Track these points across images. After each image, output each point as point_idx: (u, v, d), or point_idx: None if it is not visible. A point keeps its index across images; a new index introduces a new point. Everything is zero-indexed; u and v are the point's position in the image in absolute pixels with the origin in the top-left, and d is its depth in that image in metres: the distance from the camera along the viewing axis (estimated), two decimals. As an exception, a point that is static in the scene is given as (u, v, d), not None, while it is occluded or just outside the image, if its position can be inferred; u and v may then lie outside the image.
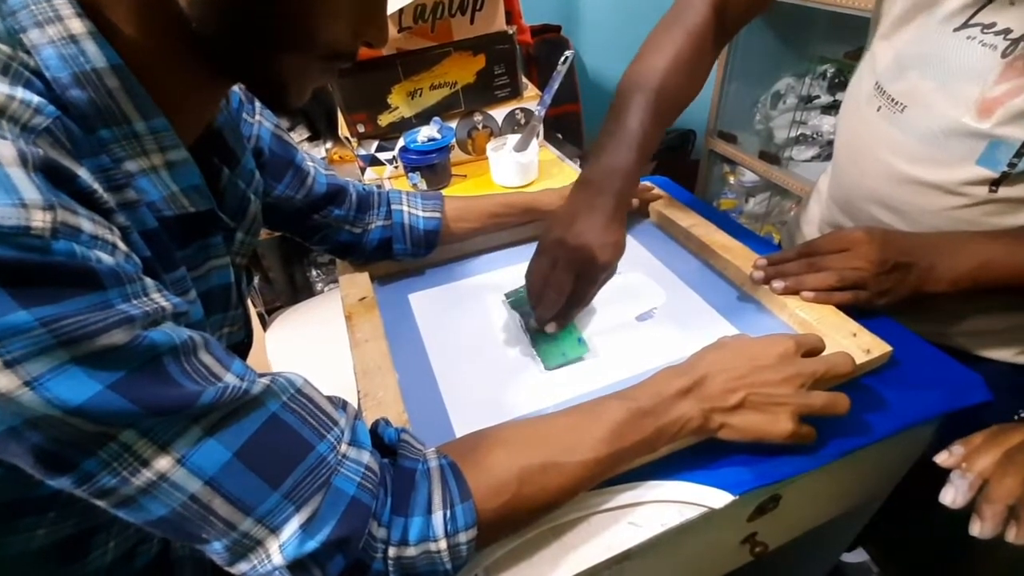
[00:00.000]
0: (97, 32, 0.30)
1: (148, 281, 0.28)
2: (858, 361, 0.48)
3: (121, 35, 0.31)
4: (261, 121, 0.54)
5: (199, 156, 0.37)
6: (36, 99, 0.27)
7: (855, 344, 0.51)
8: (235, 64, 0.34)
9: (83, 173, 0.27)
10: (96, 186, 0.28)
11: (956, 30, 0.50)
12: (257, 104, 0.54)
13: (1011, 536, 0.38)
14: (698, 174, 2.02)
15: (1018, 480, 0.38)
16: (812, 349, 0.45)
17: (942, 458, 0.42)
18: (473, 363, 0.57)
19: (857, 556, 1.11)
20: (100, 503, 0.28)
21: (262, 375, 0.32)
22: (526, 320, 0.60)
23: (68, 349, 0.24)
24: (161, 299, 0.28)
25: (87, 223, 0.26)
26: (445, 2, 0.89)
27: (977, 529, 0.38)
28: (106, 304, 0.25)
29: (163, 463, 0.27)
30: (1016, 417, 0.60)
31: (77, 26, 0.29)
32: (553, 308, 0.54)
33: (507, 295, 0.65)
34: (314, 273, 1.79)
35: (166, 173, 0.34)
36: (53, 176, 0.25)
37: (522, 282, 0.58)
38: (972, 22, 0.49)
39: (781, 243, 0.89)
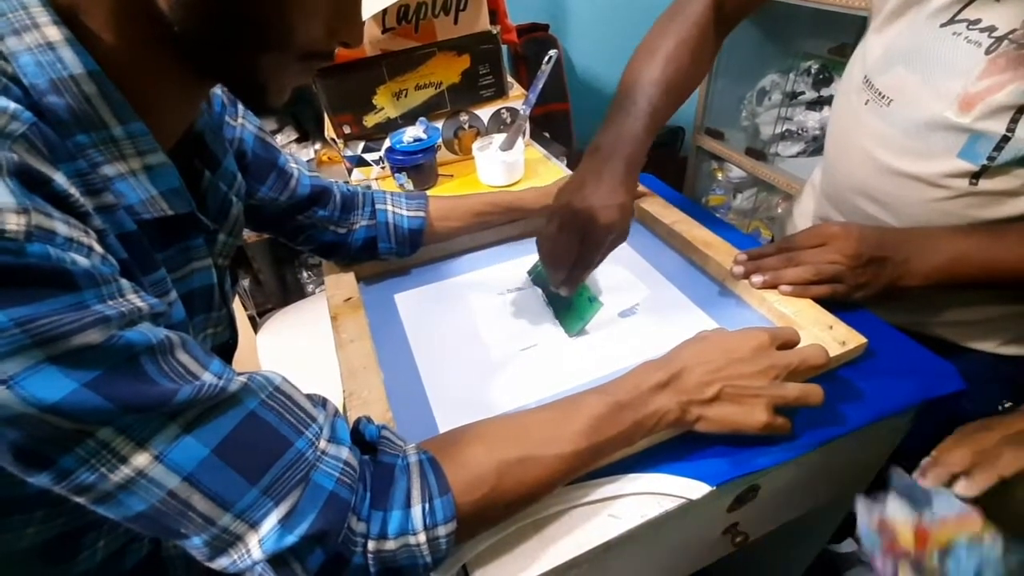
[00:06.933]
0: (74, 39, 0.30)
1: (124, 282, 0.29)
2: (833, 353, 0.49)
3: (99, 41, 0.31)
4: (244, 124, 0.54)
5: (180, 159, 0.38)
6: (13, 106, 0.27)
7: (831, 336, 0.52)
8: (215, 65, 0.35)
9: (59, 177, 0.27)
10: (72, 190, 0.28)
11: (943, 26, 0.50)
12: (240, 107, 0.54)
13: (959, 489, 0.40)
14: (686, 171, 2.04)
15: (968, 451, 0.41)
16: (787, 342, 0.46)
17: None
18: (458, 362, 0.58)
19: (846, 547, 1.12)
20: (79, 500, 0.28)
21: (240, 374, 0.32)
22: (546, 291, 0.63)
23: (43, 348, 0.24)
24: (137, 300, 0.29)
25: (62, 226, 0.26)
26: (428, 2, 0.89)
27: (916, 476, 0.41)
28: (81, 305, 0.26)
29: (141, 460, 0.28)
30: (1000, 408, 0.61)
31: (54, 33, 0.29)
32: (561, 271, 0.56)
33: (528, 271, 0.68)
34: (305, 275, 1.79)
35: (144, 176, 0.34)
36: (27, 180, 0.25)
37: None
38: (958, 18, 0.49)
39: (774, 237, 0.90)
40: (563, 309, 0.61)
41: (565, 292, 0.59)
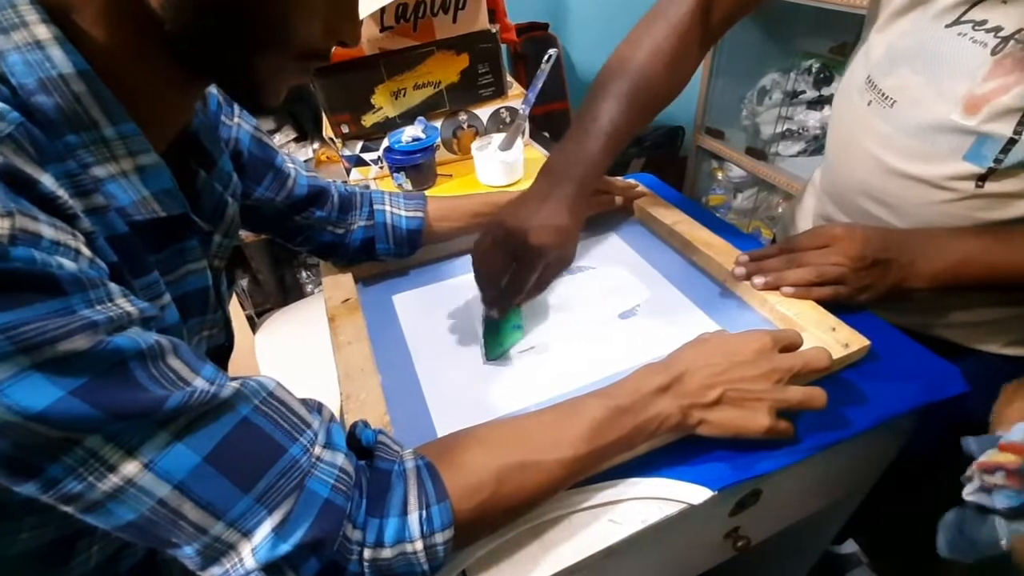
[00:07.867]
0: (63, 38, 0.29)
1: (113, 286, 0.28)
2: (837, 356, 0.49)
3: (89, 40, 0.30)
4: (240, 123, 0.53)
5: (174, 159, 0.37)
6: (0, 105, 0.26)
7: (834, 339, 0.51)
8: (209, 65, 0.34)
9: (46, 179, 0.27)
10: (60, 192, 0.27)
11: (948, 26, 0.50)
12: (236, 106, 0.53)
13: None
14: (686, 170, 2.03)
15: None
16: (789, 344, 0.46)
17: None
18: (456, 364, 0.57)
19: (848, 547, 1.12)
20: (67, 509, 0.28)
21: (234, 379, 0.32)
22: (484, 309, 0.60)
23: (28, 355, 0.24)
24: (127, 304, 0.28)
25: (48, 229, 0.25)
26: (427, 1, 0.89)
27: None
28: (68, 310, 0.25)
29: (130, 468, 0.27)
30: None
31: (43, 32, 0.29)
32: (490, 290, 0.55)
33: None
34: (304, 275, 1.78)
35: (136, 177, 0.34)
36: (12, 182, 0.25)
37: None
38: (964, 19, 0.49)
39: (776, 237, 0.90)
40: (491, 331, 0.57)
41: (495, 314, 0.56)
